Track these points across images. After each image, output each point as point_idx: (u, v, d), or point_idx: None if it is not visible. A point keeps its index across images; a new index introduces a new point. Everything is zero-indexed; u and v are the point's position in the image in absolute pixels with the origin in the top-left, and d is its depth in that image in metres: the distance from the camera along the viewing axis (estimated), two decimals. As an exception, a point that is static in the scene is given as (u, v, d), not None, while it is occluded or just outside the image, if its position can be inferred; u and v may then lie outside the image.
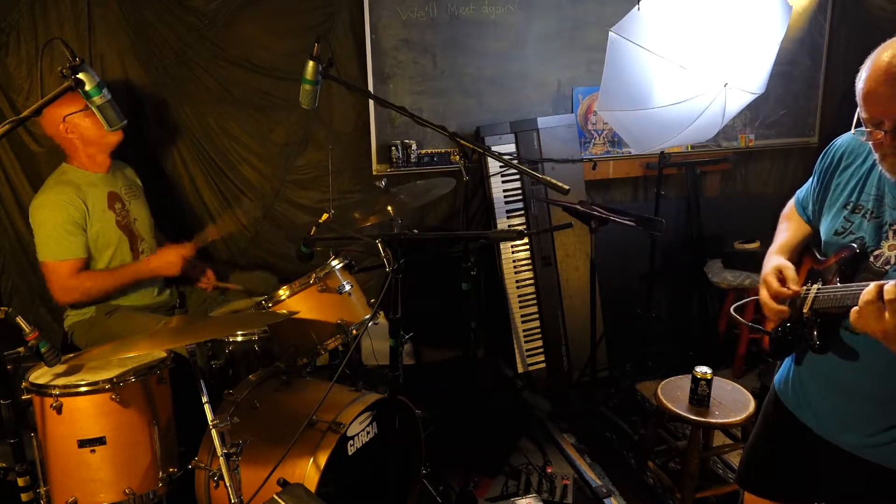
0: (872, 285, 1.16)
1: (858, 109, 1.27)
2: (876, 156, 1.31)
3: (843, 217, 1.42)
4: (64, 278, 2.33)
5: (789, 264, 1.48)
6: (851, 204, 1.41)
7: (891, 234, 1.32)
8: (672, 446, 2.67)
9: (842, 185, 1.44)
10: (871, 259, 1.32)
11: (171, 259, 2.45)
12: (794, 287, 1.43)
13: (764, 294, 1.47)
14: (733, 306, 1.70)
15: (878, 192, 1.36)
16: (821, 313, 1.39)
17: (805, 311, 1.43)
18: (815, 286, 1.42)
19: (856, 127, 1.32)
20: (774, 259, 1.52)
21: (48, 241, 2.33)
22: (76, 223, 2.36)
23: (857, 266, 1.34)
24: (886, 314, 1.13)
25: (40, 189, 2.44)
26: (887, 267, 1.30)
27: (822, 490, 1.58)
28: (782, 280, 1.45)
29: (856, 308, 1.18)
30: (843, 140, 1.49)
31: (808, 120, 3.91)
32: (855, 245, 1.35)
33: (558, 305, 3.37)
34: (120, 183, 2.61)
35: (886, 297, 1.13)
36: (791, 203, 1.68)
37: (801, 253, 1.58)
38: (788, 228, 1.64)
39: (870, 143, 1.30)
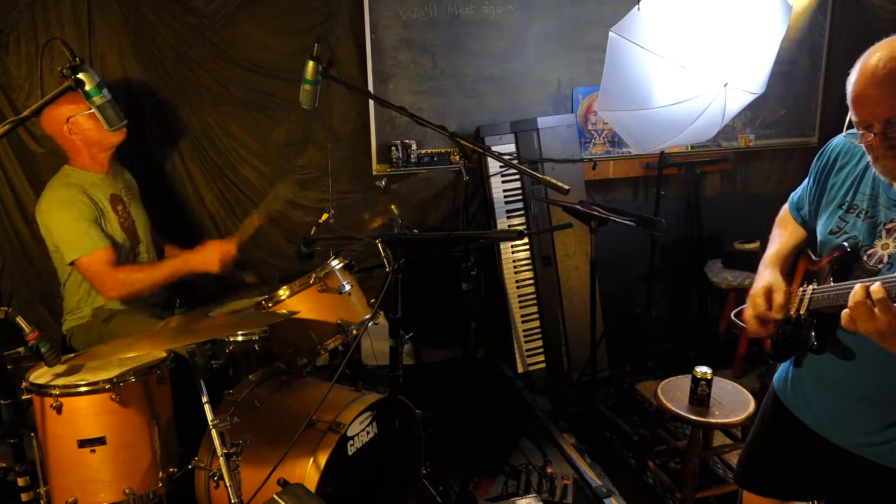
0: (858, 286, 1.16)
1: (849, 112, 1.27)
2: (869, 158, 1.31)
3: (838, 217, 1.42)
4: (103, 271, 2.26)
5: (781, 284, 1.48)
6: (846, 204, 1.41)
7: (884, 233, 1.32)
8: (672, 446, 2.66)
9: (837, 185, 1.45)
10: (865, 258, 1.33)
11: (210, 259, 2.38)
12: (778, 315, 1.44)
13: (748, 312, 1.49)
14: (733, 312, 1.70)
15: (872, 192, 1.36)
16: (817, 313, 1.40)
17: (802, 312, 1.43)
18: (811, 287, 1.42)
19: (847, 129, 1.32)
20: (767, 274, 1.52)
21: (70, 238, 2.27)
22: (88, 218, 2.31)
23: (851, 265, 1.35)
24: (877, 312, 1.13)
25: (45, 192, 2.39)
26: (880, 266, 1.30)
27: (821, 488, 1.59)
28: (770, 302, 1.45)
29: (846, 311, 1.18)
30: (838, 140, 1.49)
31: (808, 120, 3.91)
32: (846, 244, 1.35)
33: (558, 305, 3.37)
34: (120, 185, 2.59)
35: (875, 296, 1.13)
36: (786, 207, 1.68)
37: (797, 256, 1.58)
38: (782, 235, 1.64)
39: (862, 145, 1.30)
